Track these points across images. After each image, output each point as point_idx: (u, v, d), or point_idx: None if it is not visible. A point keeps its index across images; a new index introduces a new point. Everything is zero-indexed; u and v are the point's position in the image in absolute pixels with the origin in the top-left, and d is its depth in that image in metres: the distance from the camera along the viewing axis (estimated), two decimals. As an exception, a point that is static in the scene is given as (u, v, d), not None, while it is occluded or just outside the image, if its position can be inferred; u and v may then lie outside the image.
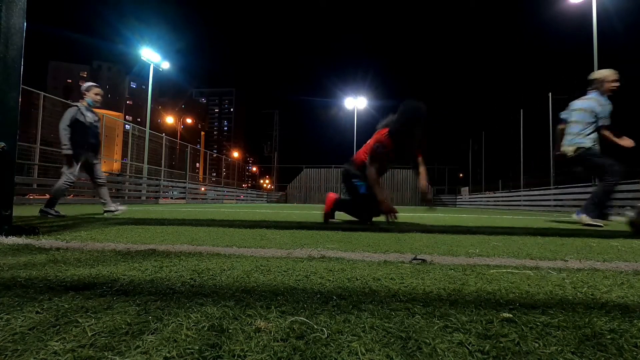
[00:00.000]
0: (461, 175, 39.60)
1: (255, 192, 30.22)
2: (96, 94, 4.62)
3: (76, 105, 4.43)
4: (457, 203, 29.78)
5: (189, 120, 51.22)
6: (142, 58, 20.84)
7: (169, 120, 39.11)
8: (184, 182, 18.14)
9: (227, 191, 23.48)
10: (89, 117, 4.48)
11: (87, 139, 4.42)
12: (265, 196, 31.05)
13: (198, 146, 30.90)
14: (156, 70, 21.91)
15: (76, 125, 4.34)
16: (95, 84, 4.71)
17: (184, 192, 17.85)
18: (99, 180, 4.65)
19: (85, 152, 4.42)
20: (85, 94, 4.57)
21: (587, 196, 14.00)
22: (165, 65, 22.69)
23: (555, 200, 15.93)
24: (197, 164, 30.40)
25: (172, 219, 4.09)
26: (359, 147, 36.86)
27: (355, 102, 36.58)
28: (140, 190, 14.83)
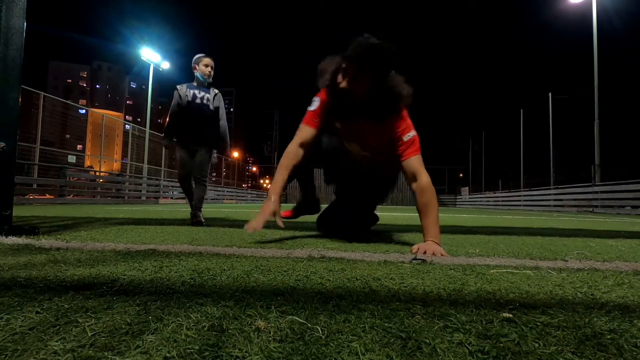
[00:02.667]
0: (461, 175, 39.68)
1: (255, 192, 30.20)
2: (206, 65, 3.45)
3: (176, 87, 3.49)
4: (457, 203, 29.78)
5: None
6: (142, 58, 20.85)
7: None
8: (184, 182, 18.15)
9: (227, 191, 23.50)
10: (189, 95, 3.41)
11: (182, 122, 3.44)
12: (266, 196, 31.12)
13: (198, 146, 30.90)
14: (156, 70, 21.92)
15: (177, 109, 3.44)
16: (203, 54, 3.51)
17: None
18: (195, 177, 3.54)
19: (181, 139, 3.49)
20: (195, 69, 3.47)
21: (588, 196, 13.88)
22: (165, 65, 22.69)
23: (555, 200, 15.94)
24: (197, 164, 30.42)
25: (172, 219, 4.10)
26: (359, 147, 36.79)
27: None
28: (140, 190, 14.83)
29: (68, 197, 10.61)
